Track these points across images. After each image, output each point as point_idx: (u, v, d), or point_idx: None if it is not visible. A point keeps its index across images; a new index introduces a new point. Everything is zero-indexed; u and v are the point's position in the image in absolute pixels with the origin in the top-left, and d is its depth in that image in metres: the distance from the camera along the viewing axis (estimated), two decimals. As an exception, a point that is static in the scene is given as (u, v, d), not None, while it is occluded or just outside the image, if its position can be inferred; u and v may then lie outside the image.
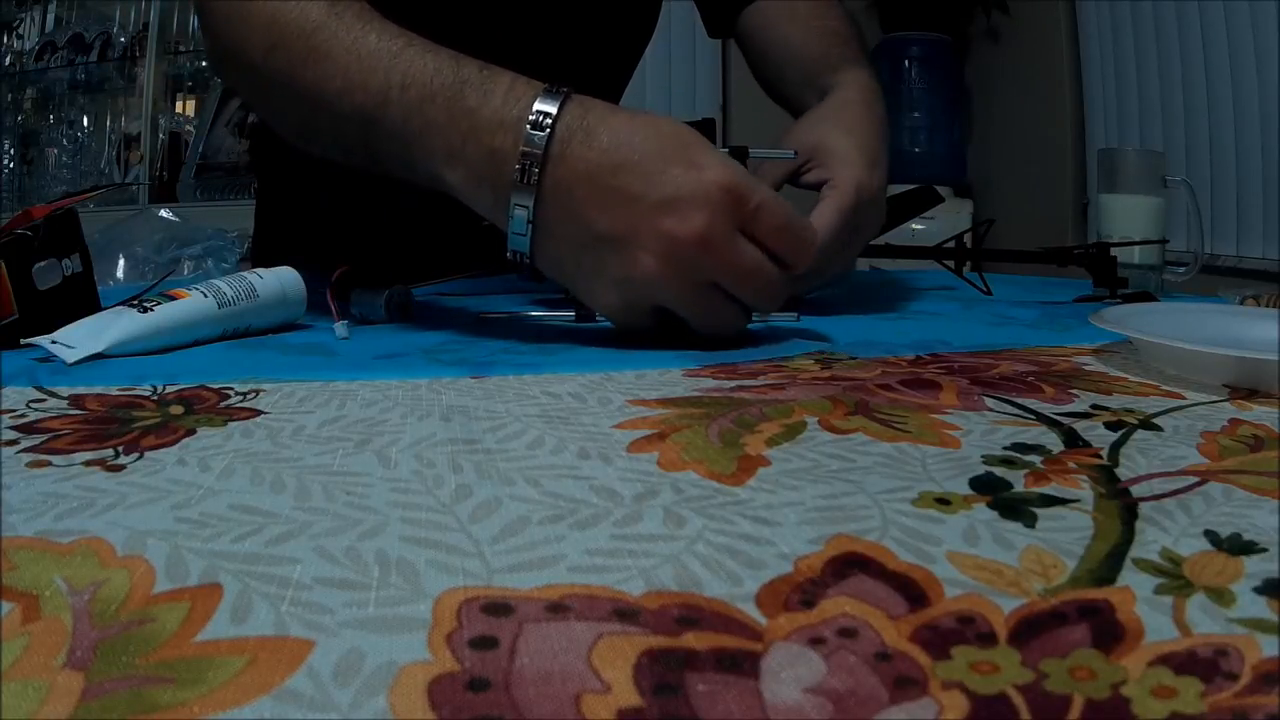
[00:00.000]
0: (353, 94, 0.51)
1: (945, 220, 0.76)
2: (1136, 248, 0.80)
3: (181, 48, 2.82)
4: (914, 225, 1.85)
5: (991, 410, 0.37)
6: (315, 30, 0.53)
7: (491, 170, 0.48)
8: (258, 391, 0.40)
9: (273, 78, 0.55)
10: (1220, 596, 0.21)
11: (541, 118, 0.47)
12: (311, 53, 0.52)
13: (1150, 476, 0.29)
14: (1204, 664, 0.18)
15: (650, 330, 0.51)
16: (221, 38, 0.58)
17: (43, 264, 0.51)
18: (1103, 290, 0.73)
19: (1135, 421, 0.36)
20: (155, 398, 0.39)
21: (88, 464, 0.30)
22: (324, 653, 0.19)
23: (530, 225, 0.48)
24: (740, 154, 0.63)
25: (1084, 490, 0.28)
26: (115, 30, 2.83)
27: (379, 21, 0.53)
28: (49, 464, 0.30)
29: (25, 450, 0.32)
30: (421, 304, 0.61)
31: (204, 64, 2.83)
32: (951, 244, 0.73)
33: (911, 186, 0.80)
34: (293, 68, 0.53)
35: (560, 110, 0.48)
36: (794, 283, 0.51)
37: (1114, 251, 0.75)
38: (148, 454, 0.31)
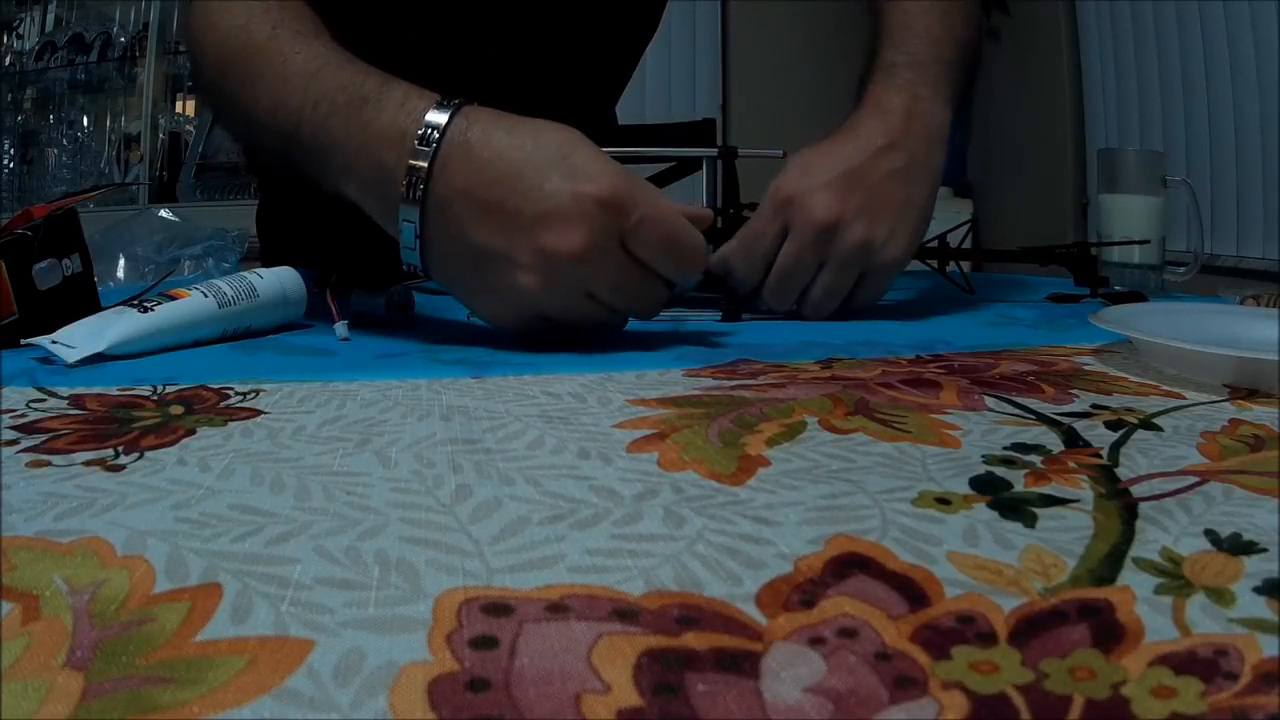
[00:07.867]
0: (275, 113, 0.53)
1: (947, 220, 0.77)
2: (1136, 248, 0.80)
3: (181, 48, 2.82)
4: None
5: (991, 410, 0.37)
6: (253, 54, 0.55)
7: (380, 184, 0.49)
8: (258, 391, 0.40)
9: (222, 98, 0.58)
10: (1220, 596, 0.21)
11: (430, 131, 0.48)
12: (248, 76, 0.55)
13: (1150, 476, 0.29)
14: (1204, 664, 0.18)
15: (535, 333, 0.51)
16: (191, 59, 0.62)
17: (43, 264, 0.51)
18: (1082, 289, 0.73)
19: (1135, 421, 0.36)
20: (155, 398, 0.39)
21: (88, 464, 0.30)
22: (324, 653, 0.19)
23: (418, 239, 0.49)
24: (729, 154, 0.63)
25: (1084, 490, 0.28)
26: (115, 30, 2.82)
27: (313, 41, 0.55)
28: (49, 464, 0.30)
29: (25, 450, 0.32)
30: (421, 304, 0.61)
31: (204, 64, 2.83)
32: (934, 243, 0.72)
33: None
34: (237, 89, 0.56)
35: (447, 123, 0.48)
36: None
37: (1095, 251, 0.75)
38: (148, 454, 0.31)
